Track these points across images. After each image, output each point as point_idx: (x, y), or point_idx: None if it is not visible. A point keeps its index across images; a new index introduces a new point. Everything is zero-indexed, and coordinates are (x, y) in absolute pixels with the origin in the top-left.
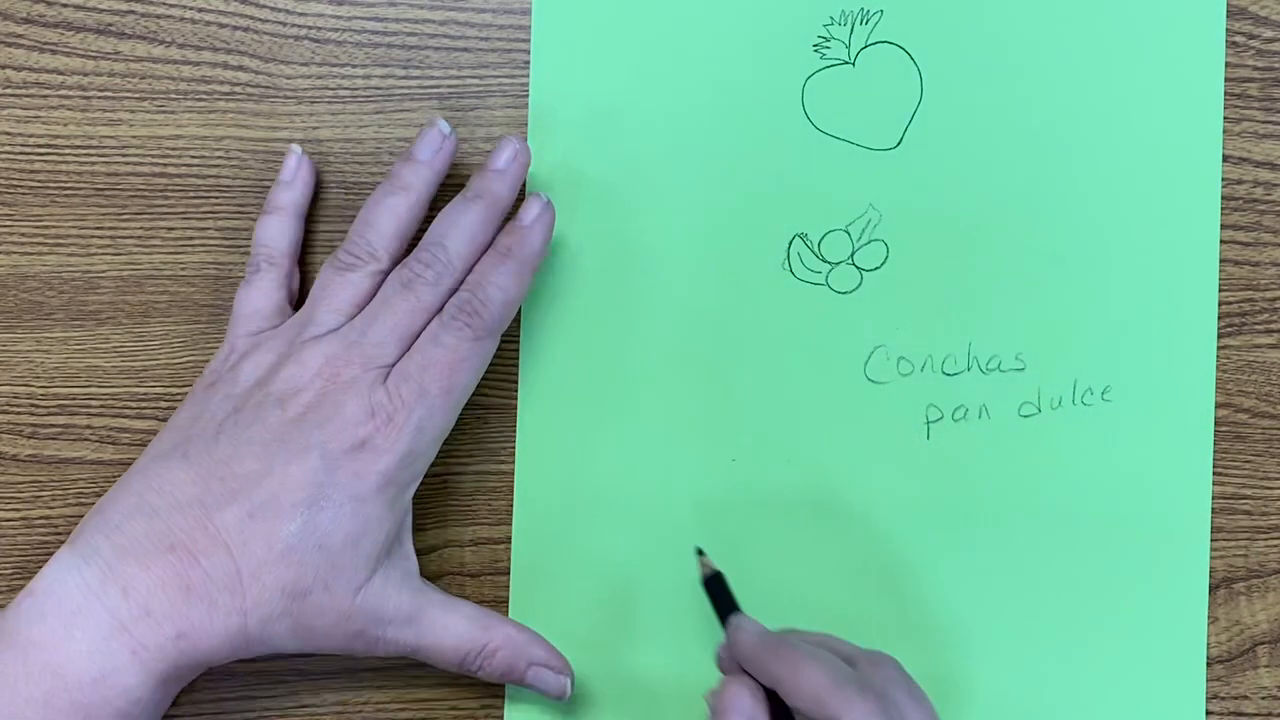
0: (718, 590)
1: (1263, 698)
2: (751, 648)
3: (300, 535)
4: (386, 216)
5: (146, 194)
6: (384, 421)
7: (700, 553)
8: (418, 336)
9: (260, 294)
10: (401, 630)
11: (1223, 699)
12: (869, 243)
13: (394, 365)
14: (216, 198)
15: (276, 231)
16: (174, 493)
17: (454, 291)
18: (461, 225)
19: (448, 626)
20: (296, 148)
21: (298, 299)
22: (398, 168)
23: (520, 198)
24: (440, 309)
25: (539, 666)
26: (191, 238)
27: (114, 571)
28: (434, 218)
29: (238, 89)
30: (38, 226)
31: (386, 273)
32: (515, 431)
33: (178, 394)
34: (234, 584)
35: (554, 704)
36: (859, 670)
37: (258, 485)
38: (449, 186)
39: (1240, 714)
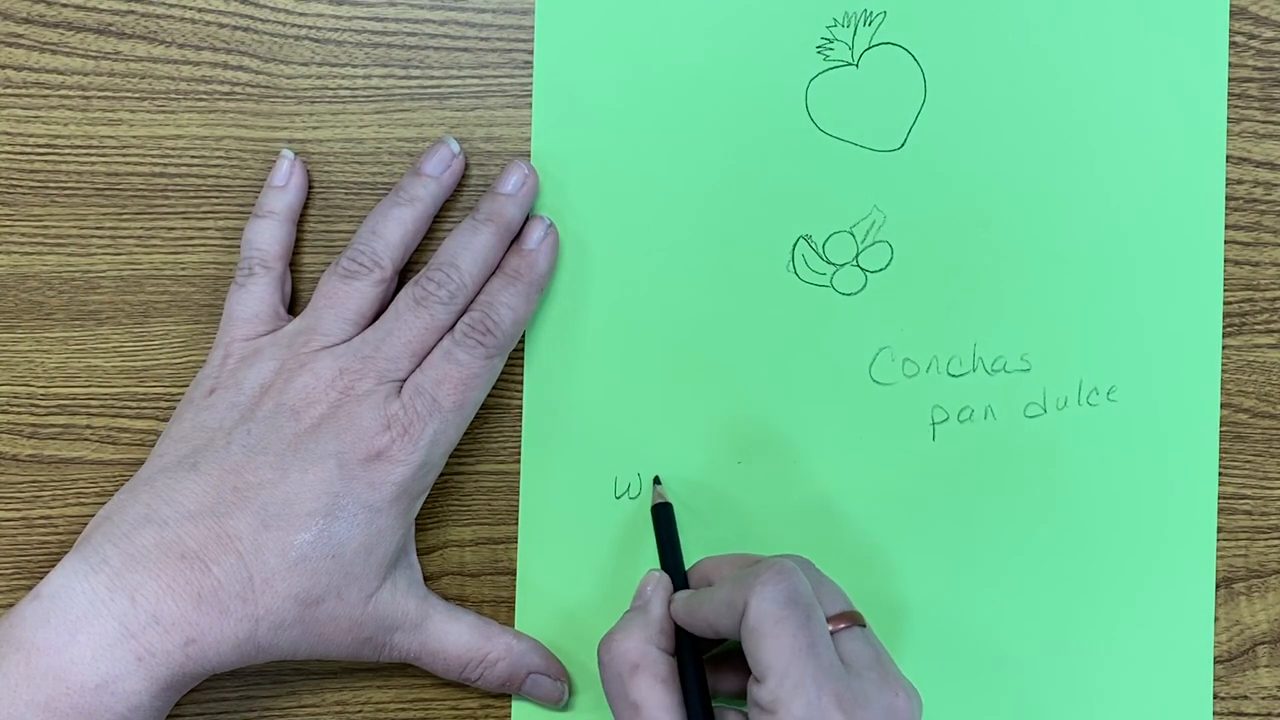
0: (662, 521)
1: (1263, 698)
2: (680, 615)
3: (314, 544)
4: (393, 226)
5: (146, 194)
6: (400, 433)
7: (657, 481)
8: (428, 352)
9: (255, 298)
10: (408, 636)
11: (1223, 699)
12: (873, 244)
13: (405, 380)
14: (216, 198)
15: (270, 236)
16: (184, 503)
17: (464, 311)
18: (473, 247)
19: (451, 634)
20: (289, 152)
21: (289, 303)
22: (405, 181)
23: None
24: (451, 327)
25: (537, 674)
26: (191, 238)
27: (123, 579)
28: (433, 232)
29: (238, 89)
30: (38, 226)
31: (389, 282)
32: (516, 432)
33: (177, 394)
34: (246, 591)
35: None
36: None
37: (272, 494)
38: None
39: (1240, 714)
